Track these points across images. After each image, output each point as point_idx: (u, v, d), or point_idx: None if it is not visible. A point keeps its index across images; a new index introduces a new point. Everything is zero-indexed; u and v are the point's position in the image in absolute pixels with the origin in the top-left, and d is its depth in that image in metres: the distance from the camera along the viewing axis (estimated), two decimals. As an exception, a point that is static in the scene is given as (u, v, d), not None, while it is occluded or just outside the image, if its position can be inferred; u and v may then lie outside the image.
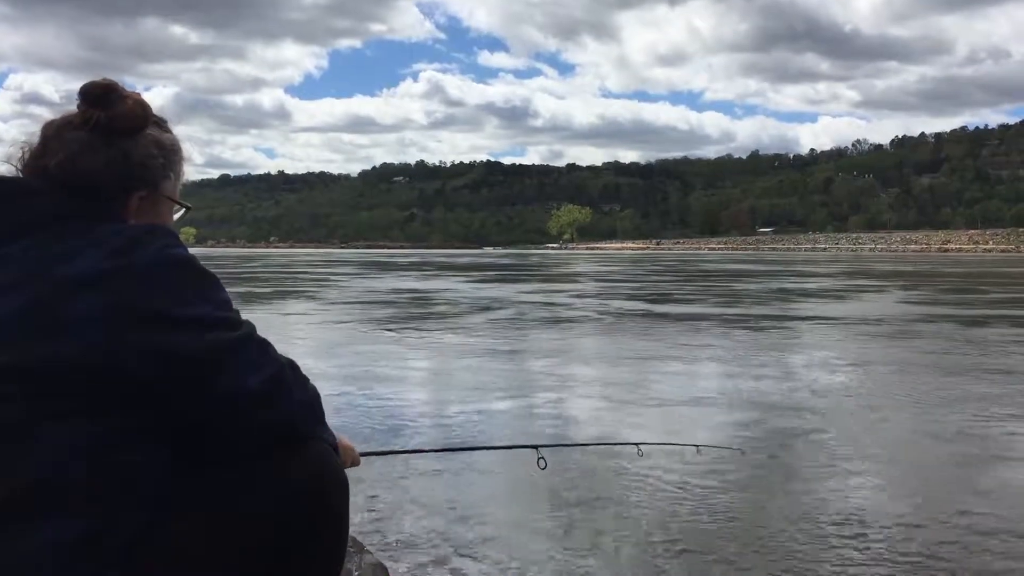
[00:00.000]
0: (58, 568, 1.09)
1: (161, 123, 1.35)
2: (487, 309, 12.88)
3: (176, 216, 1.41)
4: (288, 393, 1.26)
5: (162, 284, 1.16)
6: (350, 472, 1.48)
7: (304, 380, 1.32)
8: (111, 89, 1.28)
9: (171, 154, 1.35)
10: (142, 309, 1.13)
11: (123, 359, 1.12)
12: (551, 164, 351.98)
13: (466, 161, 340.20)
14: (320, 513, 1.31)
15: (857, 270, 34.64)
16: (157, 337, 1.14)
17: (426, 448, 2.77)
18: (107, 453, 1.13)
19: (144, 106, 1.31)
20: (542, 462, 2.15)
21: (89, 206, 1.22)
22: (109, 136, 1.26)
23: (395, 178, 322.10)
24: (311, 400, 1.32)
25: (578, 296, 16.80)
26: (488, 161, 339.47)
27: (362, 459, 1.62)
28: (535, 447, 2.25)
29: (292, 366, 1.30)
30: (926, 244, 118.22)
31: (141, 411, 1.16)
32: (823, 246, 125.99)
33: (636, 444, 2.74)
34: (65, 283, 1.12)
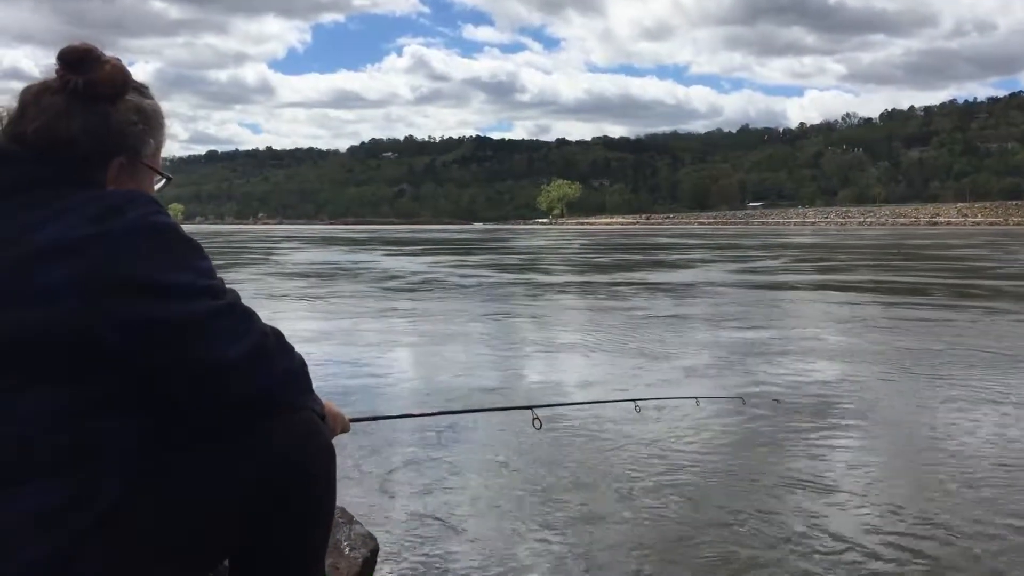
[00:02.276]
0: (30, 538, 1.07)
1: (142, 89, 1.32)
2: (388, 279, 14.60)
3: (157, 186, 1.37)
4: (271, 363, 1.24)
5: (141, 251, 1.13)
6: (339, 439, 1.47)
7: (290, 349, 1.29)
8: (89, 53, 1.25)
9: (152, 121, 1.31)
10: (119, 276, 1.11)
11: (99, 327, 1.10)
12: (539, 139, 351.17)
13: (455, 136, 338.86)
14: (306, 483, 1.29)
15: (782, 243, 36.11)
16: (134, 305, 1.11)
17: (418, 412, 2.75)
18: (82, 422, 1.12)
19: (123, 71, 1.28)
20: (537, 422, 2.16)
21: (67, 172, 1.20)
22: (88, 101, 1.23)
23: (384, 154, 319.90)
24: (296, 369, 1.30)
25: (470, 267, 18.46)
26: (477, 136, 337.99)
27: (352, 425, 1.61)
28: (530, 407, 2.25)
29: (277, 335, 1.28)
30: (915, 217, 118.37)
31: (118, 380, 1.14)
32: (812, 220, 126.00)
33: (634, 400, 2.74)
34: (40, 249, 1.10)
